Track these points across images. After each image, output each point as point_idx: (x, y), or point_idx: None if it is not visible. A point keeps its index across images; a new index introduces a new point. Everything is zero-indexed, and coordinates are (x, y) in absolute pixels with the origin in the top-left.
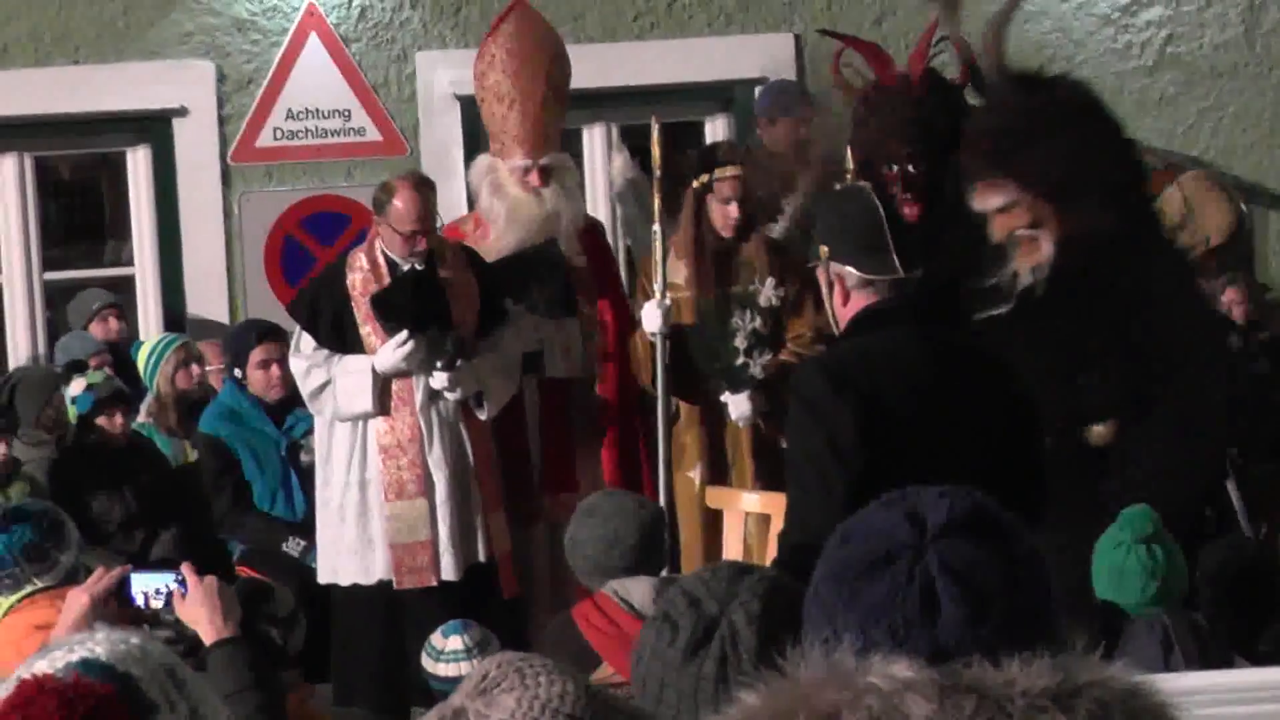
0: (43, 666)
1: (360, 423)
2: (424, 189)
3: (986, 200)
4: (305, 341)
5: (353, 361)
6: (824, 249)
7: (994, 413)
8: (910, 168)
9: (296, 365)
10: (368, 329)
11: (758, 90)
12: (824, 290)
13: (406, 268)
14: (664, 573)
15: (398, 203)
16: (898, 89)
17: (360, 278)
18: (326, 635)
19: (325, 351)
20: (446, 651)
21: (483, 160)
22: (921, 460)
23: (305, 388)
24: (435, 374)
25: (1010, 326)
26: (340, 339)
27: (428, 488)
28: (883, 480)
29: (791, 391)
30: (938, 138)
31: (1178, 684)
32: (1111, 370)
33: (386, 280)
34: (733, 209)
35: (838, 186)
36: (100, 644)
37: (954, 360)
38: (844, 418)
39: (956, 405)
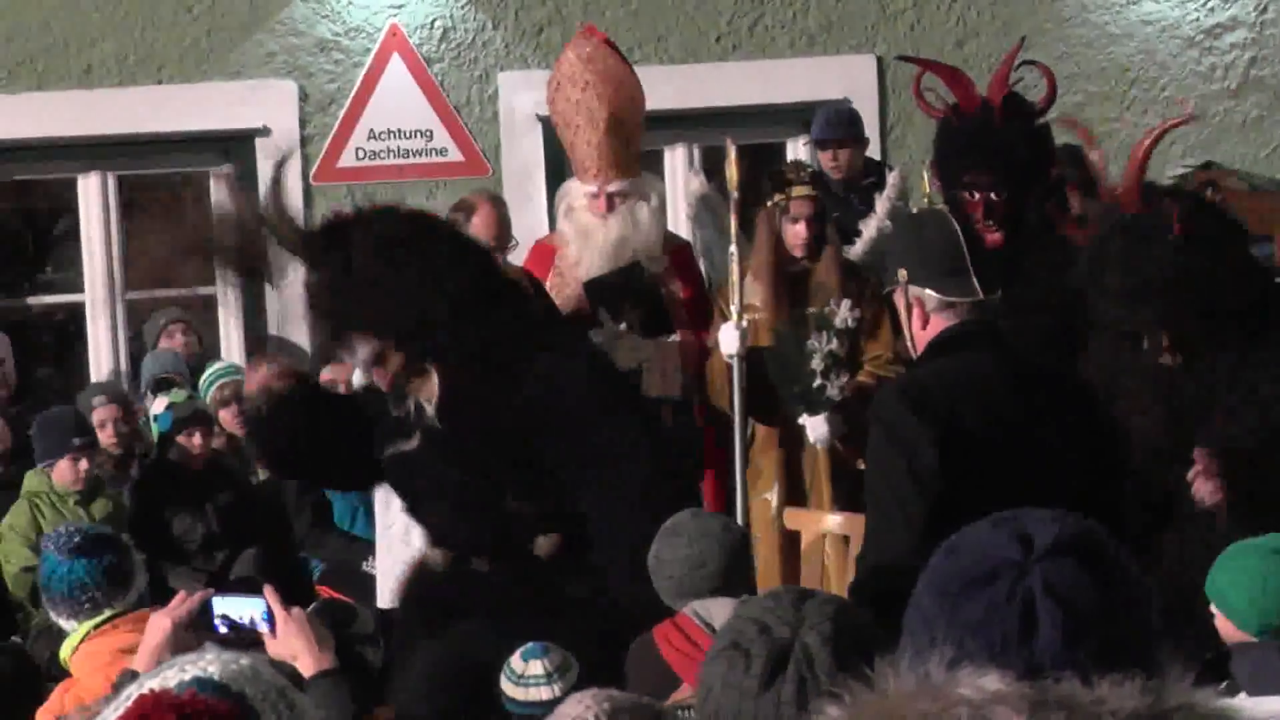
0: (155, 685)
1: None
2: (500, 208)
3: (357, 359)
4: None
5: None
6: (902, 272)
7: (1077, 440)
8: (992, 195)
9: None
10: None
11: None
12: (902, 314)
13: None
14: (745, 596)
15: (477, 219)
16: (979, 114)
17: None
18: None
19: None
20: (528, 676)
21: (565, 184)
22: (1002, 486)
23: None
24: None
25: (423, 461)
26: None
27: None
28: (963, 506)
29: (871, 415)
30: (1019, 164)
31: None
32: (533, 485)
33: None
34: (802, 228)
35: (916, 210)
36: (213, 663)
37: (1036, 386)
38: (924, 443)
39: (1038, 431)
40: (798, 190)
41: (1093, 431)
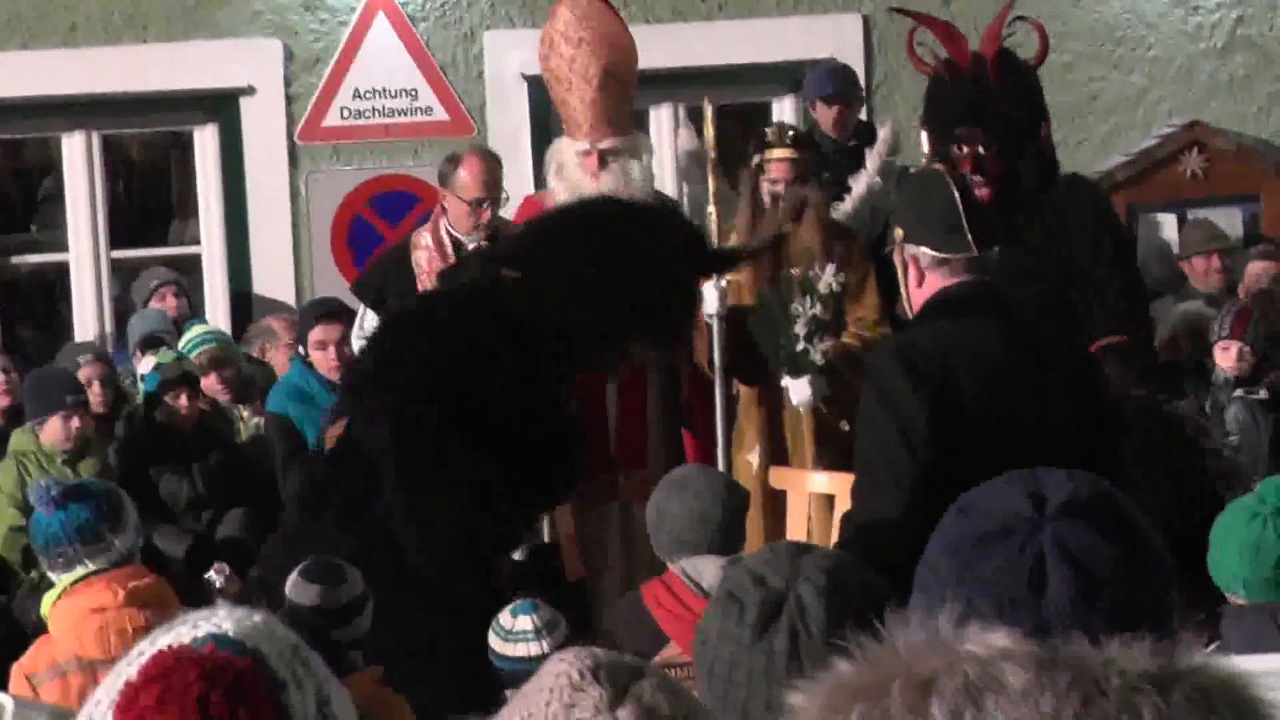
0: (170, 641)
1: None
2: (490, 159)
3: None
4: (370, 320)
5: None
6: (898, 232)
7: (1073, 406)
8: (981, 150)
9: (360, 345)
10: None
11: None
12: (899, 273)
13: (471, 246)
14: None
15: (464, 171)
16: (972, 70)
17: (425, 256)
18: None
19: None
20: (515, 631)
21: (555, 142)
22: (996, 452)
23: None
24: None
25: None
26: None
27: None
28: (955, 471)
29: (865, 378)
30: (1013, 121)
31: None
32: None
33: (453, 258)
34: (781, 190)
35: (913, 170)
36: (227, 620)
37: (1034, 354)
38: (917, 408)
39: (1034, 397)
40: (778, 153)
41: (1088, 399)
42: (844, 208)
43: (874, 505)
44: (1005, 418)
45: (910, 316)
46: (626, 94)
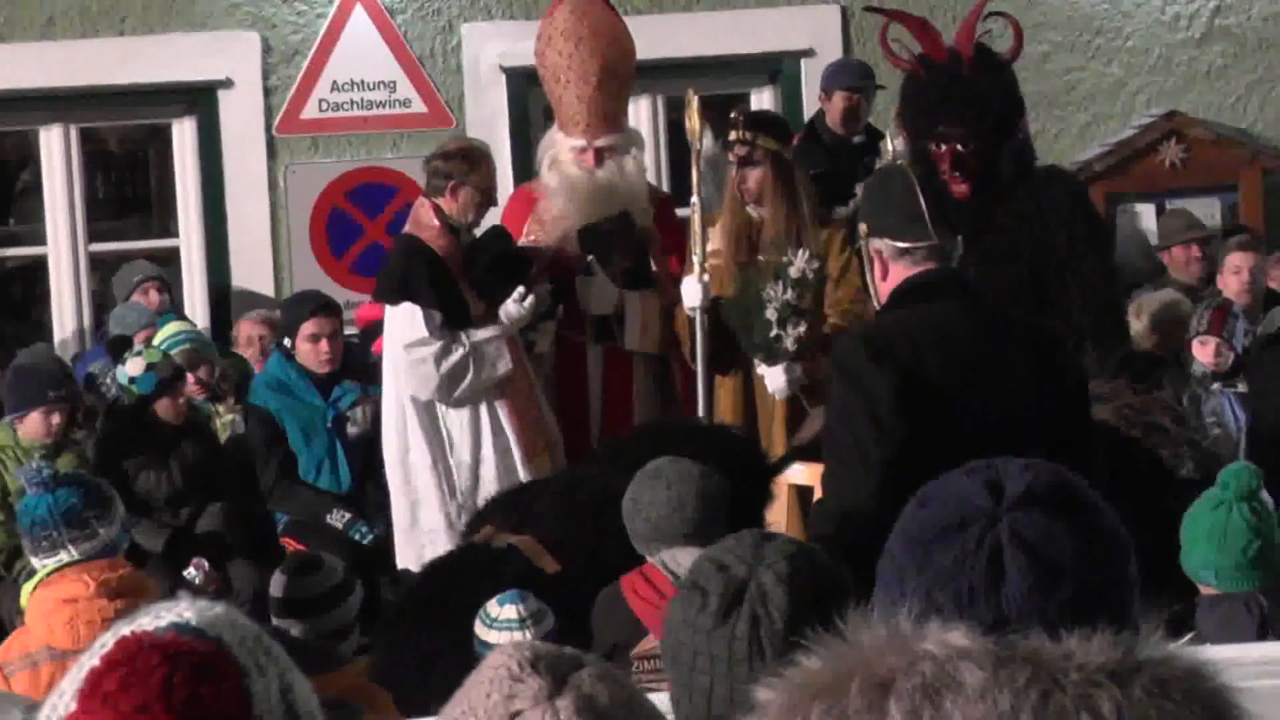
0: (134, 629)
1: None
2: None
3: None
4: (422, 323)
5: (479, 332)
6: (863, 227)
7: (1040, 387)
8: (960, 146)
9: (424, 351)
10: (470, 293)
11: (802, 62)
12: (865, 267)
13: (478, 232)
14: None
15: (487, 167)
16: (948, 65)
17: (439, 244)
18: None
19: (446, 329)
20: (500, 620)
21: (549, 134)
22: (964, 433)
23: (443, 367)
24: (541, 325)
25: None
26: (455, 307)
27: (550, 440)
28: (925, 453)
29: (833, 362)
30: (992, 115)
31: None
32: None
33: (456, 243)
34: (744, 177)
35: (877, 167)
36: (189, 609)
37: (1000, 333)
38: (883, 389)
39: (1001, 379)
40: (734, 135)
41: (1056, 380)
42: (843, 211)
43: (845, 491)
44: (972, 396)
45: (878, 308)
46: (624, 91)
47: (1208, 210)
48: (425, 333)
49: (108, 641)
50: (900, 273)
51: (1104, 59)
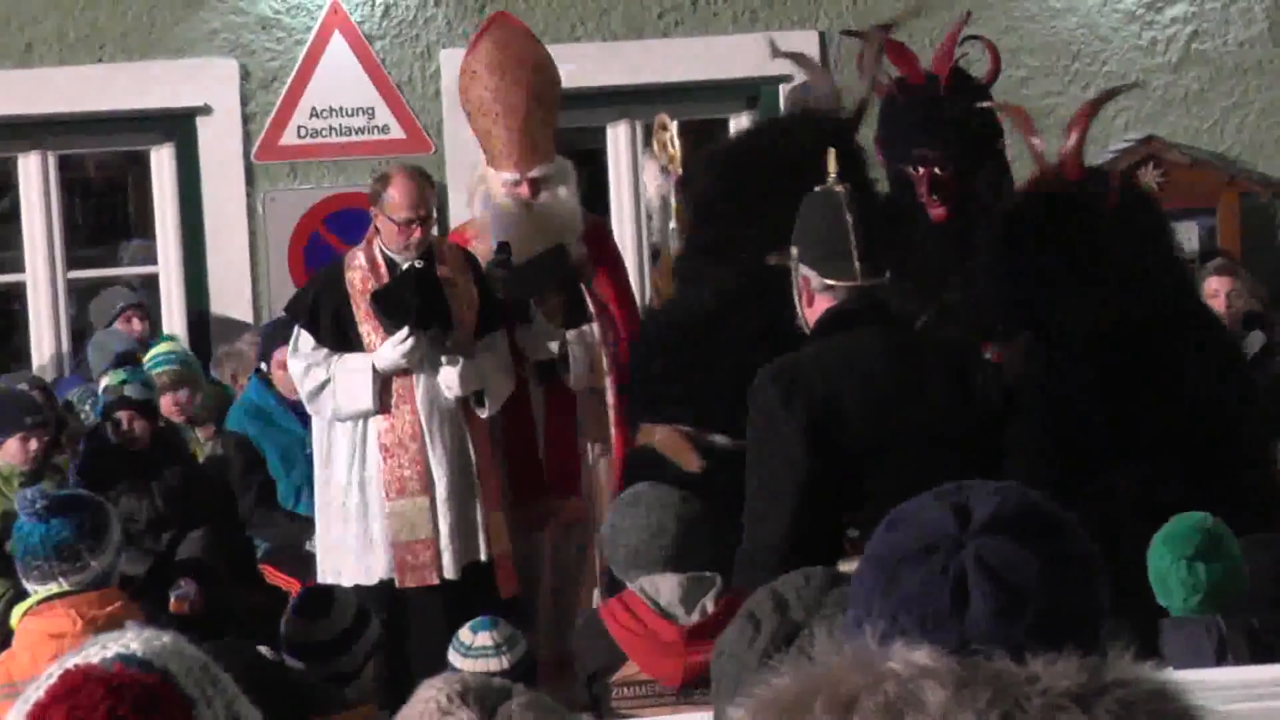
0: (79, 661)
1: (360, 422)
2: (420, 178)
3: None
4: (304, 341)
5: (353, 360)
6: (794, 249)
7: (957, 406)
8: (937, 169)
9: (295, 365)
10: (367, 327)
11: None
12: (794, 290)
13: (406, 265)
14: (709, 572)
15: (393, 191)
16: (925, 89)
17: (359, 275)
18: None
19: (325, 350)
20: (475, 647)
21: (476, 169)
22: (881, 463)
23: (304, 387)
24: (442, 370)
25: None
26: (340, 338)
27: (429, 485)
28: (841, 483)
29: (748, 400)
30: (970, 139)
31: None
32: None
33: (386, 278)
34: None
35: (817, 189)
36: (135, 640)
37: (916, 361)
38: (791, 427)
39: (917, 406)
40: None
41: (971, 405)
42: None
43: (757, 531)
44: (888, 426)
45: (806, 333)
46: (551, 119)
47: (1185, 234)
48: (302, 349)
49: (53, 674)
50: (823, 304)
51: (1081, 83)
